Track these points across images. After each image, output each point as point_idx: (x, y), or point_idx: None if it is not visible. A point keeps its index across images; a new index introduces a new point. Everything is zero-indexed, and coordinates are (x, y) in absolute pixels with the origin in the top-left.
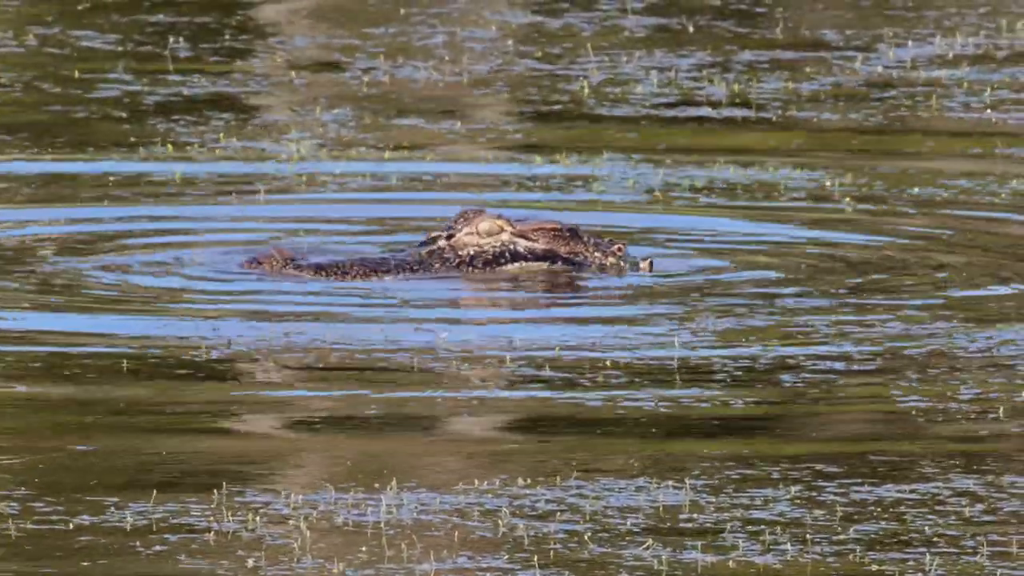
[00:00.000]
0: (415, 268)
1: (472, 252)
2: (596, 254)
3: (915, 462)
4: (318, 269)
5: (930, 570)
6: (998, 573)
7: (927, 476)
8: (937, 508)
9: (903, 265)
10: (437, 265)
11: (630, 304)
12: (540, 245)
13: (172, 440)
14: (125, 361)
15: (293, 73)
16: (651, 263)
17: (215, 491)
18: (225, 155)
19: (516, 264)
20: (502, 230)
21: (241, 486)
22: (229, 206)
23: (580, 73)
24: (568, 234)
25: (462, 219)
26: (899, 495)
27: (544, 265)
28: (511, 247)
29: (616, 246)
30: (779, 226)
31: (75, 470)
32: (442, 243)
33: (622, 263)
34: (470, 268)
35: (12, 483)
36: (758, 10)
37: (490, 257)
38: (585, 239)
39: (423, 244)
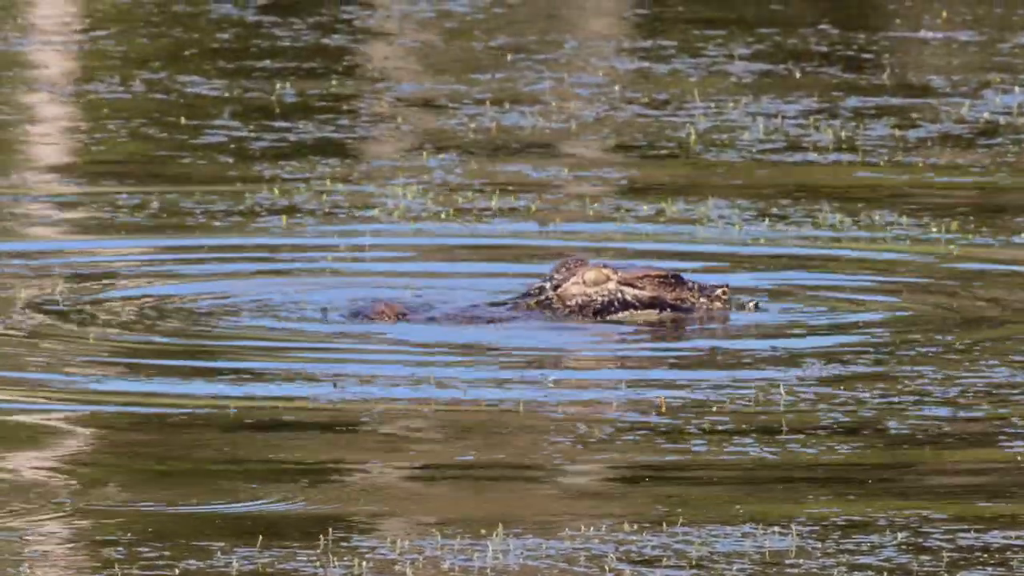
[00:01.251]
0: (523, 318)
1: (580, 302)
2: (702, 299)
3: (1022, 509)
4: (430, 321)
5: None
6: None
7: None
8: None
9: (1010, 312)
10: (548, 315)
11: (735, 349)
12: (647, 292)
13: (278, 486)
14: (232, 408)
15: (400, 118)
16: (757, 304)
17: (321, 537)
18: (332, 200)
19: (625, 313)
20: (608, 279)
21: (347, 532)
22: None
23: (687, 119)
24: (673, 280)
25: (564, 268)
26: (1006, 541)
27: (653, 312)
28: (619, 296)
29: (720, 290)
30: (884, 271)
31: (181, 515)
32: (549, 293)
33: (728, 307)
34: (580, 318)
35: (118, 529)
36: (865, 56)
37: (599, 307)
38: (690, 285)
39: (527, 295)
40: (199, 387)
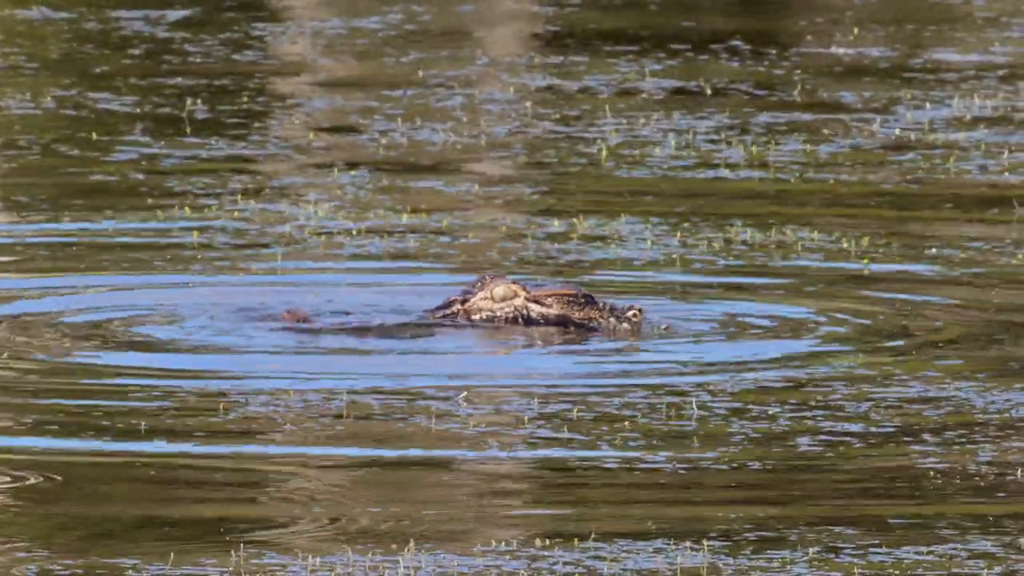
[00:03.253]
0: (430, 331)
1: (485, 317)
2: (611, 319)
3: (933, 524)
4: (335, 329)
5: None
6: None
7: (945, 538)
8: (955, 571)
9: (920, 327)
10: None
11: (648, 365)
12: (553, 311)
13: (190, 500)
14: (143, 422)
15: (311, 135)
16: (668, 327)
17: (233, 552)
18: (243, 217)
19: (529, 329)
20: (516, 295)
21: (258, 548)
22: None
23: (598, 135)
24: (583, 300)
25: (479, 283)
26: (917, 557)
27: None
28: (524, 312)
29: (632, 312)
30: (795, 287)
31: (93, 531)
32: (456, 307)
33: (638, 330)
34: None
35: (30, 544)
36: (776, 72)
37: (502, 322)
38: (600, 305)
39: (438, 308)
40: (108, 383)
